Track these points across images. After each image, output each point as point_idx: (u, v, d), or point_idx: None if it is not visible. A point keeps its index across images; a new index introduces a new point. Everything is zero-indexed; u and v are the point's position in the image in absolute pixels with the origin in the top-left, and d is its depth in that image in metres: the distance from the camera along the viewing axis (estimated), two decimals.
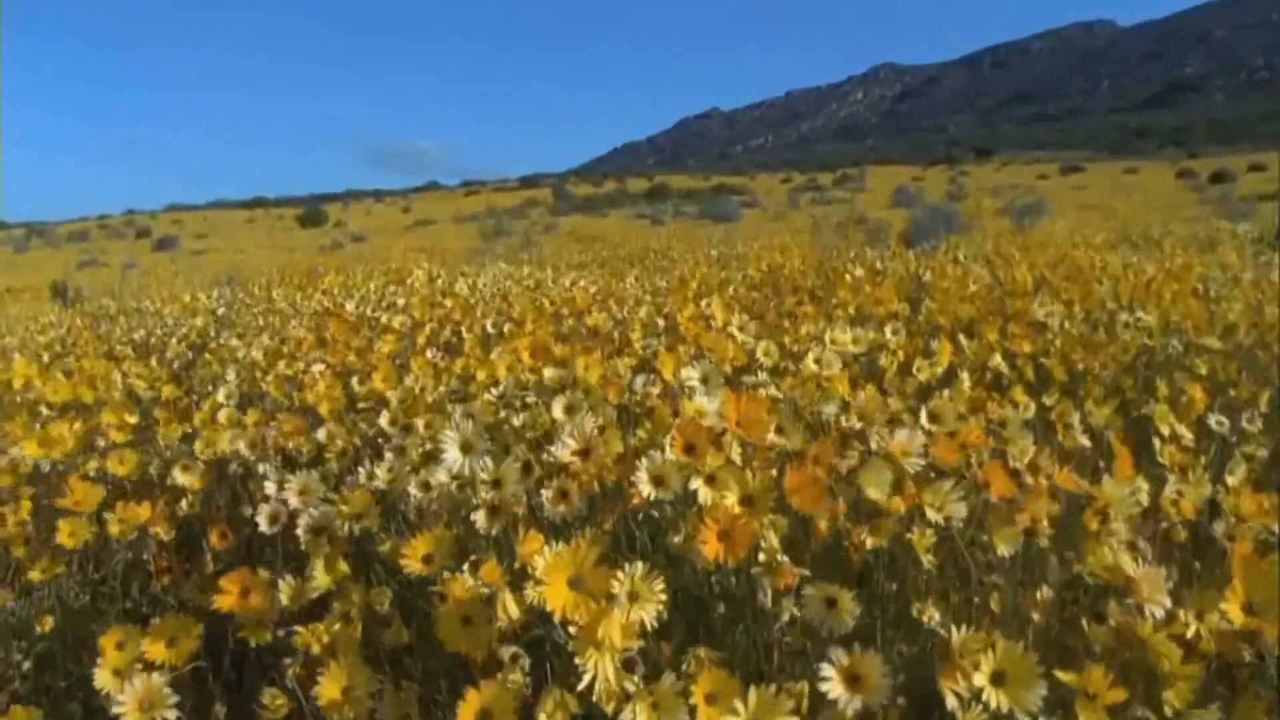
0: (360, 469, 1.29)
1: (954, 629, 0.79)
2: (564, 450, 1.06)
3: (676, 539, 0.95)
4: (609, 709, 0.75)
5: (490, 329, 2.52)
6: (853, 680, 0.78)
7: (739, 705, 0.74)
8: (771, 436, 1.13)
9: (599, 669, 0.73)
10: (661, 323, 2.46)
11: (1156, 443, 1.39)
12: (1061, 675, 0.77)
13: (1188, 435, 1.46)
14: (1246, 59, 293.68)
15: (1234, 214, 12.23)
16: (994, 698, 0.76)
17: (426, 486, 1.18)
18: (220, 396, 2.05)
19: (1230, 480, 1.31)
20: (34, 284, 12.41)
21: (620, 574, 0.78)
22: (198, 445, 1.58)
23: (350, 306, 3.24)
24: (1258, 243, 7.00)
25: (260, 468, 1.56)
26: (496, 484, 1.03)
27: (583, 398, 1.26)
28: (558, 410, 1.21)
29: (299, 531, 1.10)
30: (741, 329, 1.89)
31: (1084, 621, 0.88)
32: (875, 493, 0.94)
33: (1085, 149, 75.75)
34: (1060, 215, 14.43)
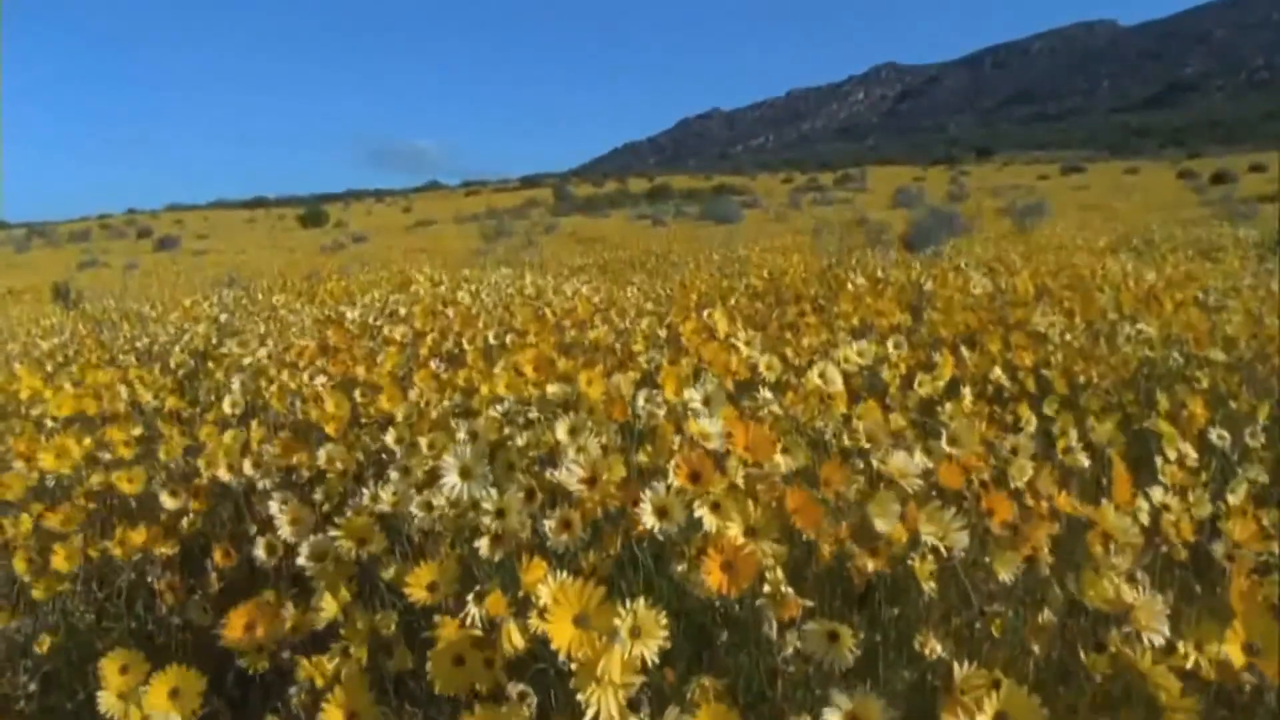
0: (364, 489, 1.29)
1: (956, 664, 0.79)
2: (570, 478, 1.06)
3: (680, 568, 0.95)
4: None
5: (493, 340, 2.52)
6: None
7: None
8: (777, 457, 1.14)
9: (602, 705, 0.73)
10: (664, 334, 2.46)
11: (1159, 461, 1.39)
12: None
13: (1192, 454, 1.46)
14: (1246, 59, 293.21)
15: (1235, 216, 12.24)
16: None
17: (429, 507, 1.18)
18: (225, 406, 2.06)
19: (1231, 500, 1.31)
20: (35, 285, 12.42)
21: (622, 609, 0.78)
22: (200, 463, 1.58)
23: (352, 315, 3.24)
24: (1259, 247, 7.00)
25: (262, 483, 1.56)
26: (500, 513, 1.03)
27: (586, 418, 1.26)
28: (561, 432, 1.21)
29: (300, 561, 1.10)
30: (748, 343, 1.88)
31: (1081, 651, 0.88)
32: (884, 524, 0.94)
33: (1086, 149, 75.73)
34: (1061, 216, 14.46)
